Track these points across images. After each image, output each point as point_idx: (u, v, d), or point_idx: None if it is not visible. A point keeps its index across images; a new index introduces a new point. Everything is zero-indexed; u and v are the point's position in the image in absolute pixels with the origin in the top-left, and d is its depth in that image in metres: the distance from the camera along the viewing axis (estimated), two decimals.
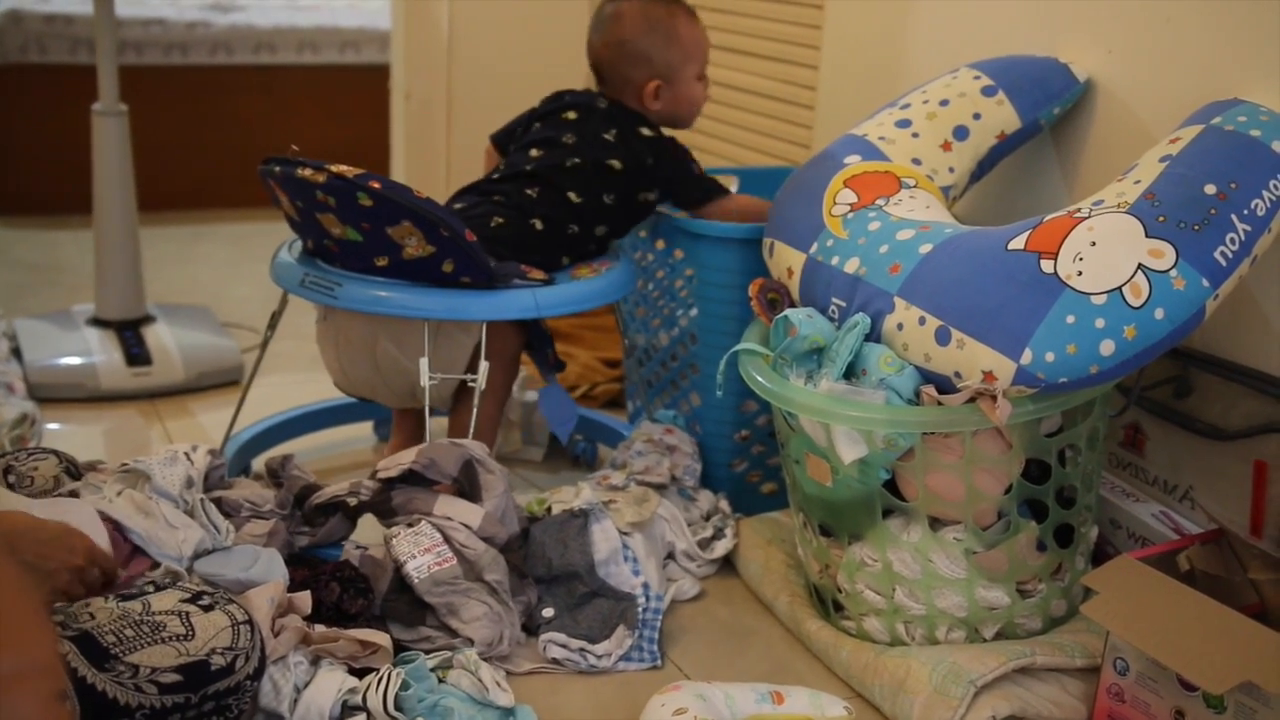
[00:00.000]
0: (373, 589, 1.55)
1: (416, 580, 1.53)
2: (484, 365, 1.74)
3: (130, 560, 1.47)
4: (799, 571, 1.73)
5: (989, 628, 1.53)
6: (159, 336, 2.44)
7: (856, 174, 1.69)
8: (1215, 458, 1.59)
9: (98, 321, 2.47)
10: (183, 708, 1.18)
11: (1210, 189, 1.42)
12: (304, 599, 1.47)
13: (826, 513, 1.58)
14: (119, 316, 2.46)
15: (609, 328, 2.61)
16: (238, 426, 2.03)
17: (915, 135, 1.74)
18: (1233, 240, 1.40)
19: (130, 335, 2.42)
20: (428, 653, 1.48)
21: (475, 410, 1.76)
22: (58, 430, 2.21)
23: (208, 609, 1.25)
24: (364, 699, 1.37)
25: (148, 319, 2.49)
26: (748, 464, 2.00)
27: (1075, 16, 1.79)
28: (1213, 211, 1.40)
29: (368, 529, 1.68)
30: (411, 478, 1.65)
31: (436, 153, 3.03)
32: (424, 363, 1.72)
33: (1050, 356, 1.38)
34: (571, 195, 1.87)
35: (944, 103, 1.76)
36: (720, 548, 1.81)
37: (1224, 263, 1.39)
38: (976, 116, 1.75)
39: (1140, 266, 1.37)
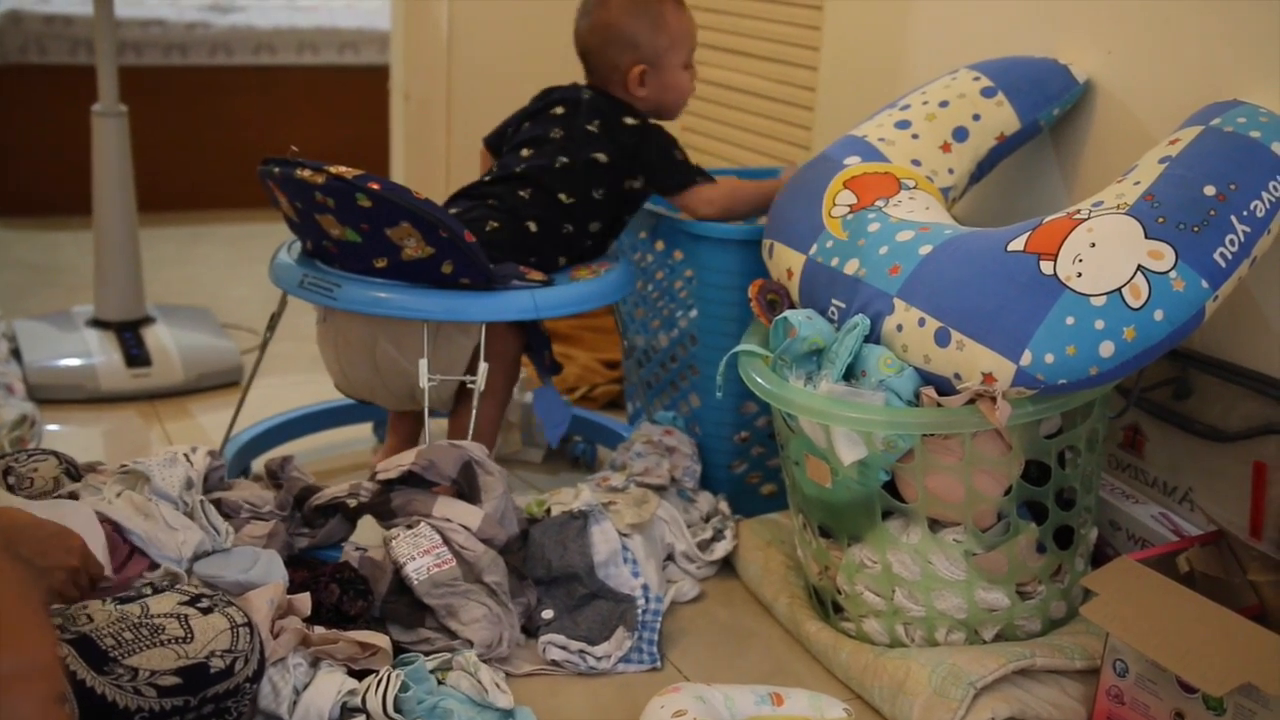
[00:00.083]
0: (372, 591, 1.55)
1: (416, 582, 1.53)
2: (483, 367, 1.74)
3: (129, 561, 1.47)
4: (798, 573, 1.73)
5: (988, 629, 1.53)
6: (158, 337, 2.44)
7: (856, 175, 1.69)
8: (1215, 459, 1.59)
9: (97, 322, 2.46)
10: (182, 710, 1.18)
11: (1210, 190, 1.41)
12: (303, 601, 1.46)
13: (826, 514, 1.58)
14: (118, 317, 2.46)
15: (608, 329, 2.61)
16: (237, 428, 2.03)
17: (915, 136, 1.74)
18: (1232, 241, 1.40)
19: (130, 336, 2.42)
20: (427, 654, 1.49)
21: (474, 412, 1.76)
22: (57, 431, 2.21)
23: (206, 611, 1.25)
24: (363, 701, 1.37)
25: (147, 320, 2.49)
26: (747, 465, 2.00)
27: (1075, 17, 1.79)
28: (1212, 213, 1.40)
29: (367, 530, 1.68)
30: (411, 479, 1.65)
31: (436, 153, 3.03)
32: (423, 364, 1.72)
33: (1050, 358, 1.37)
34: (562, 196, 1.87)
35: (943, 104, 1.76)
36: (720, 549, 1.81)
37: (1223, 264, 1.39)
38: (976, 118, 1.75)
39: (1140, 268, 1.37)
